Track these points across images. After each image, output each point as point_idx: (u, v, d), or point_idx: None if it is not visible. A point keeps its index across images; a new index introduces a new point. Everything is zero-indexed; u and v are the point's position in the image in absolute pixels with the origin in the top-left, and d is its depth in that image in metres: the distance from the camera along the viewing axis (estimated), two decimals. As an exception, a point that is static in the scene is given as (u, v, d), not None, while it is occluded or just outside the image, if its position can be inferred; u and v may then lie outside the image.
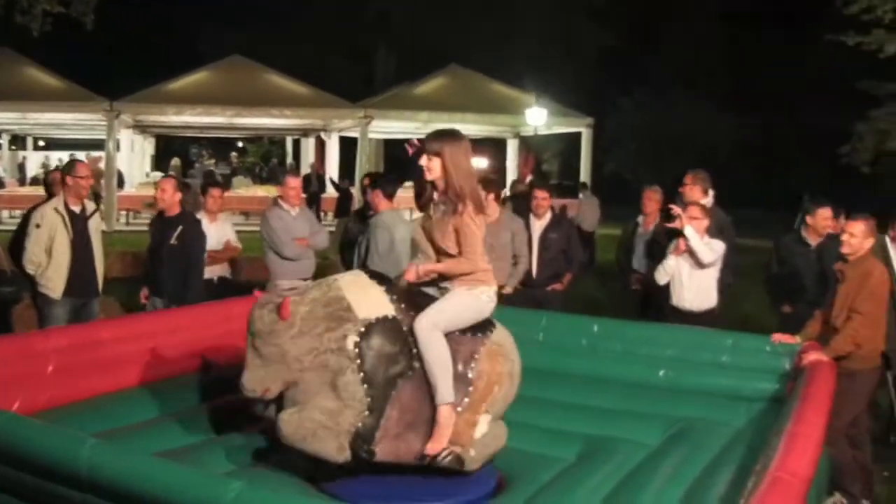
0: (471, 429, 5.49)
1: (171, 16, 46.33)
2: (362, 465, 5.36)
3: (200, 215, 9.83)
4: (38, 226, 8.63)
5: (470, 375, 5.51)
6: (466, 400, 5.49)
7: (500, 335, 5.77)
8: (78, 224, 8.74)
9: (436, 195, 5.64)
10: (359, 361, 5.29)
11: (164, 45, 44.74)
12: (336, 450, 5.24)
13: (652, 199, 10.49)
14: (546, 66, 39.43)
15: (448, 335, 5.48)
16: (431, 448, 5.38)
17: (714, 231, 8.87)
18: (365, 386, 5.29)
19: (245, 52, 30.40)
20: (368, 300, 5.47)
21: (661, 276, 8.86)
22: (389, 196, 8.99)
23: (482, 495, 5.47)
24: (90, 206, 9.05)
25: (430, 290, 5.71)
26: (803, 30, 40.38)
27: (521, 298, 9.65)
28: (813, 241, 9.15)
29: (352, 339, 5.31)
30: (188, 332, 7.21)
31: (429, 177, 5.59)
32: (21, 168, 37.16)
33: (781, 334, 7.38)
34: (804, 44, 40.61)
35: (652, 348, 7.58)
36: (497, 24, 43.58)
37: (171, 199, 9.08)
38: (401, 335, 5.43)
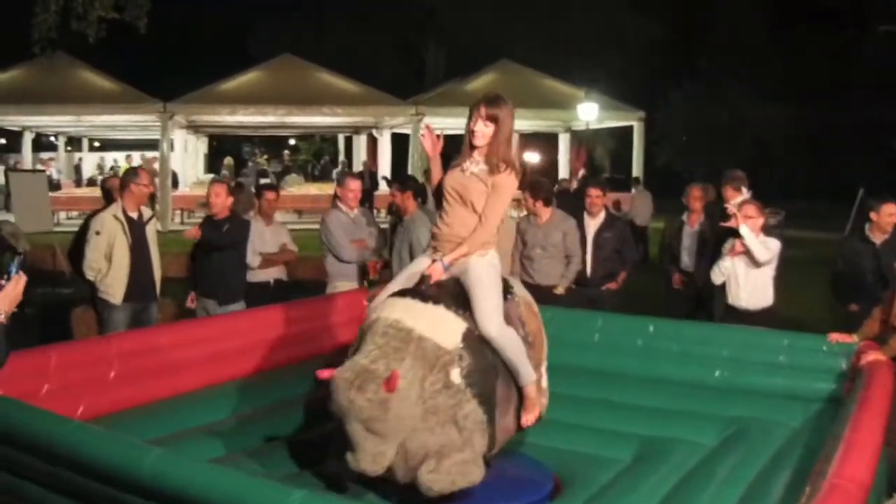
0: (542, 384, 5.87)
1: (222, 16, 46.64)
2: None
3: (254, 217, 9.92)
4: (97, 233, 8.74)
5: (529, 339, 5.72)
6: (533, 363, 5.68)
7: (519, 289, 6.02)
8: (136, 230, 8.85)
9: (468, 161, 5.60)
10: (471, 389, 5.23)
11: (216, 45, 45.07)
12: (480, 474, 5.25)
13: (697, 197, 10.42)
14: (596, 60, 39.37)
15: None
16: (526, 420, 5.74)
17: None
18: (482, 407, 5.29)
19: (295, 51, 30.55)
20: (442, 326, 5.28)
21: (717, 277, 8.85)
22: (418, 197, 9.47)
23: (540, 498, 5.50)
24: (147, 212, 9.16)
25: (425, 258, 5.79)
26: (857, 20, 39.94)
27: (575, 298, 9.65)
28: (878, 238, 9.01)
29: (455, 373, 5.20)
30: (247, 336, 7.29)
31: (479, 142, 5.55)
32: (77, 169, 37.54)
33: (839, 333, 7.32)
34: (858, 34, 40.19)
35: (707, 348, 7.55)
36: (546, 17, 43.46)
37: (224, 203, 9.23)
38: (478, 341, 5.38)
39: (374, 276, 9.74)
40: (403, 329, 5.16)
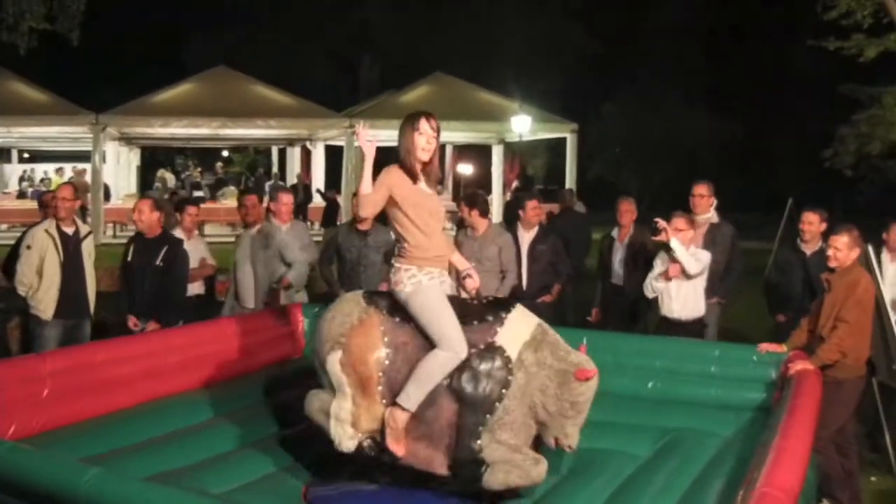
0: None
1: (156, 28, 46.31)
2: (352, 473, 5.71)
3: (177, 233, 9.81)
4: (28, 247, 8.66)
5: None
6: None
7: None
8: (70, 246, 8.77)
9: (425, 180, 5.87)
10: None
11: (149, 57, 44.71)
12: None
13: (626, 211, 10.42)
14: (530, 73, 39.61)
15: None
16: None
17: (720, 245, 9.05)
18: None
19: (230, 63, 30.40)
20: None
21: (649, 292, 8.96)
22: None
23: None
24: (84, 228, 9.07)
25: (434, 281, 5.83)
26: (786, 34, 40.54)
27: (510, 311, 9.69)
28: (807, 249, 9.17)
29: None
30: (183, 352, 7.26)
31: (428, 157, 5.83)
32: (7, 182, 37.00)
33: (768, 344, 7.45)
34: (787, 48, 40.80)
35: (641, 360, 7.64)
36: (480, 31, 43.67)
37: (149, 219, 8.88)
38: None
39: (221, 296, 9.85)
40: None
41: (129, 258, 8.94)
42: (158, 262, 8.76)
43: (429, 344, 5.55)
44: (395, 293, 5.72)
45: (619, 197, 10.78)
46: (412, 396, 5.51)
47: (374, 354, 5.60)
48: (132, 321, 8.84)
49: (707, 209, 9.68)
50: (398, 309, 5.74)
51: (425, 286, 5.67)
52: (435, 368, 5.53)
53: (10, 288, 8.84)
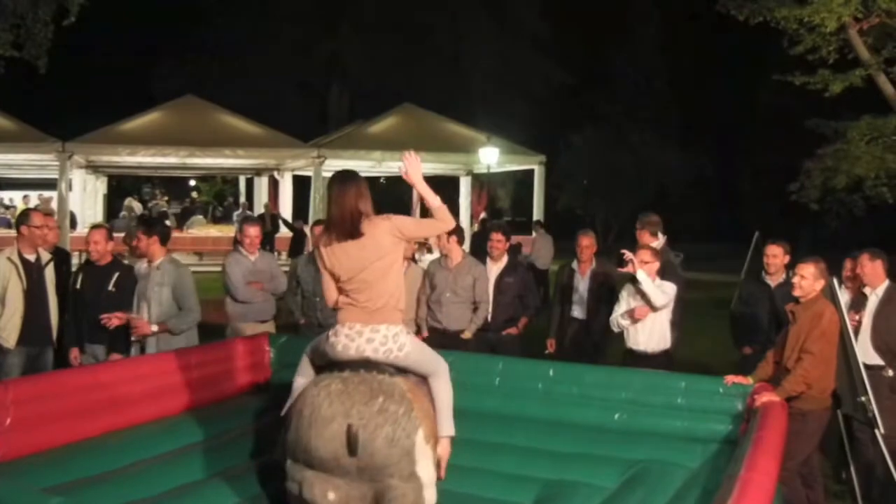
0: None
1: (124, 57, 46.21)
2: None
3: (143, 263, 9.70)
4: (-11, 275, 8.62)
5: None
6: None
7: (323, 382, 5.48)
8: (33, 273, 8.72)
9: None
10: None
11: (117, 86, 44.58)
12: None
13: (586, 246, 10.35)
14: (498, 105, 39.83)
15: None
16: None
17: (666, 271, 9.01)
18: None
19: (197, 92, 30.35)
20: None
21: (615, 327, 9.00)
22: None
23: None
24: (45, 255, 9.01)
25: None
26: (752, 69, 40.92)
27: (476, 343, 9.70)
28: (772, 282, 9.22)
29: None
30: (150, 380, 7.21)
31: None
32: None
33: (734, 376, 7.47)
34: (754, 83, 41.18)
35: (607, 391, 7.63)
36: (449, 63, 43.85)
37: (104, 249, 8.93)
38: None
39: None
40: None
41: (77, 286, 8.91)
42: (111, 287, 8.75)
43: None
44: (393, 362, 5.55)
45: (578, 230, 10.76)
46: (449, 422, 5.74)
47: None
48: (73, 354, 8.81)
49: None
50: None
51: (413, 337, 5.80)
52: (448, 390, 5.79)
53: None
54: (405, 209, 29.86)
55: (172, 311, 8.45)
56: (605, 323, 9.38)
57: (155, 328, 8.33)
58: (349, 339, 5.50)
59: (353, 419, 5.17)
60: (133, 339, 8.43)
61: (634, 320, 8.81)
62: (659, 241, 9.70)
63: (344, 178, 5.61)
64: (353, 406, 5.21)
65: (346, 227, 5.48)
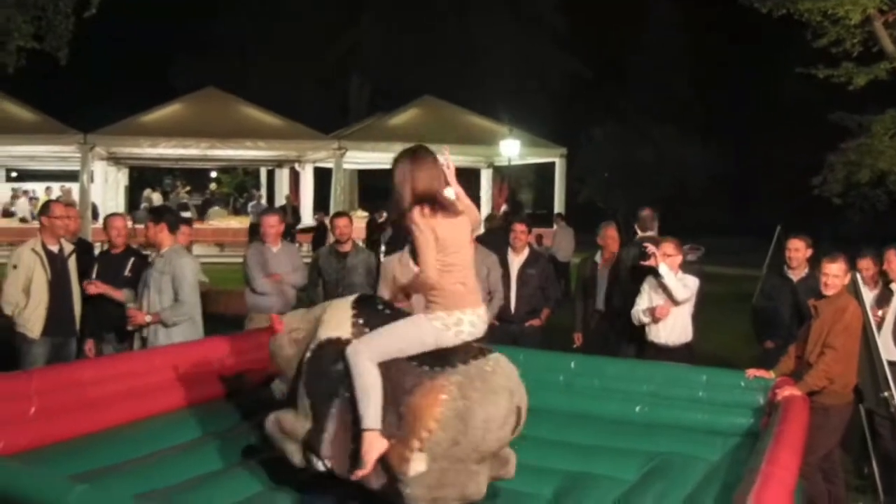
0: (403, 463, 5.22)
1: (145, 49, 46.34)
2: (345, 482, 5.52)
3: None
4: (14, 266, 8.67)
5: (401, 408, 5.31)
6: (399, 433, 5.28)
7: (468, 374, 5.35)
8: (57, 264, 8.77)
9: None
10: (305, 376, 5.62)
11: (138, 78, 44.73)
12: (292, 453, 5.66)
13: (613, 238, 10.46)
14: (519, 98, 39.69)
15: (398, 363, 5.41)
16: (357, 473, 5.31)
17: None
18: (308, 400, 5.57)
19: (217, 85, 30.40)
20: (333, 322, 5.68)
21: (635, 321, 8.98)
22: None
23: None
24: (68, 246, 9.06)
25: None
26: (775, 63, 40.69)
27: (497, 334, 9.68)
28: (794, 276, 9.19)
29: (305, 355, 5.68)
30: (170, 371, 7.23)
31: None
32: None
33: (756, 369, 7.47)
34: (776, 76, 40.94)
35: (628, 384, 7.65)
36: (470, 55, 43.79)
37: (125, 236, 9.20)
38: (335, 348, 5.56)
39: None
40: (323, 311, 5.88)
41: (93, 277, 8.99)
42: (127, 272, 8.87)
43: None
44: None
45: (602, 222, 10.79)
46: None
47: None
48: (88, 346, 8.93)
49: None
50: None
51: None
52: None
53: None
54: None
55: (171, 301, 8.33)
56: (619, 312, 9.41)
57: (149, 318, 8.22)
58: (473, 327, 5.52)
59: (516, 399, 5.43)
60: (129, 328, 8.43)
61: (655, 320, 8.80)
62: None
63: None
64: (517, 386, 5.53)
65: (447, 202, 5.53)
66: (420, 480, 5.21)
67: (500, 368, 5.51)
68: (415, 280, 5.53)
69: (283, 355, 5.90)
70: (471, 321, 5.48)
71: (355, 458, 5.36)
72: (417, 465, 5.22)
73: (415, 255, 5.51)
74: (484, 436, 5.28)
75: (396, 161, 5.57)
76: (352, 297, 5.93)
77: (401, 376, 5.37)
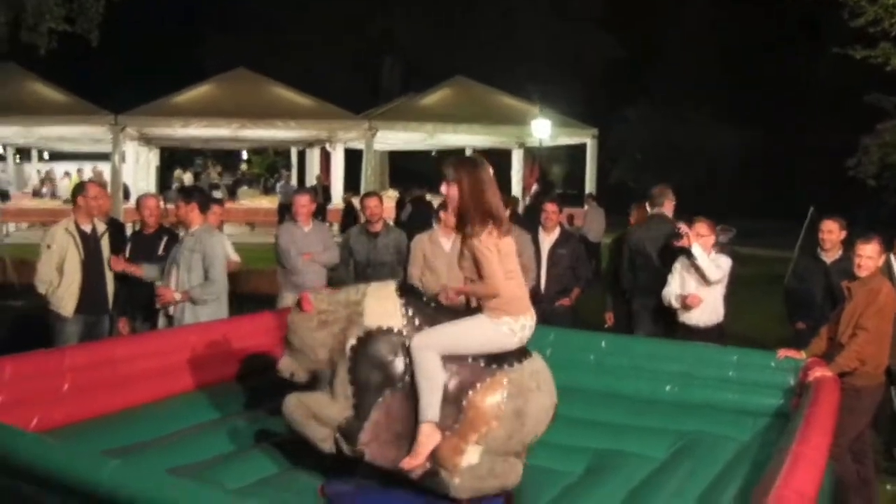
0: (456, 455, 5.38)
1: (175, 30, 46.45)
2: (367, 469, 5.61)
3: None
4: (48, 246, 8.75)
5: (463, 403, 5.45)
6: (456, 426, 5.43)
7: (522, 373, 5.59)
8: (90, 243, 8.84)
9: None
10: (351, 363, 5.58)
11: (169, 58, 44.89)
12: (321, 439, 5.61)
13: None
14: (551, 78, 39.56)
15: (458, 359, 5.51)
16: (407, 462, 5.40)
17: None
18: (353, 387, 5.56)
19: (249, 65, 30.42)
20: (381, 310, 5.68)
21: (666, 302, 8.98)
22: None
23: (492, 510, 5.55)
24: (101, 226, 9.12)
25: None
26: (809, 43, 40.38)
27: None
28: (827, 258, 9.14)
29: (350, 343, 5.61)
30: (202, 348, 7.28)
31: (450, 204, 5.73)
32: (28, 181, 37.18)
33: (787, 350, 7.45)
34: (811, 57, 40.65)
35: (658, 364, 7.66)
36: (501, 36, 43.69)
37: (158, 215, 9.50)
38: (399, 349, 5.57)
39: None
40: (362, 295, 5.81)
41: (126, 256, 9.13)
42: (160, 251, 9.02)
43: None
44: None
45: (633, 203, 10.80)
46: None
47: None
48: (121, 324, 9.09)
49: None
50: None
51: None
52: None
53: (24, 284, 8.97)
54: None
55: (201, 279, 8.33)
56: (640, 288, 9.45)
57: (178, 296, 8.25)
58: (531, 331, 5.70)
59: (554, 396, 5.72)
60: (157, 306, 8.48)
61: (687, 308, 8.79)
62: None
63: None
64: (553, 383, 5.74)
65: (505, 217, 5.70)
66: (471, 472, 5.40)
67: (543, 367, 5.75)
68: (481, 289, 5.55)
69: (309, 336, 5.79)
70: (530, 326, 5.65)
71: (399, 448, 5.48)
72: (471, 457, 5.41)
73: (477, 267, 5.51)
74: (534, 431, 5.61)
75: (455, 170, 5.63)
76: (393, 285, 5.95)
77: (463, 371, 5.53)
